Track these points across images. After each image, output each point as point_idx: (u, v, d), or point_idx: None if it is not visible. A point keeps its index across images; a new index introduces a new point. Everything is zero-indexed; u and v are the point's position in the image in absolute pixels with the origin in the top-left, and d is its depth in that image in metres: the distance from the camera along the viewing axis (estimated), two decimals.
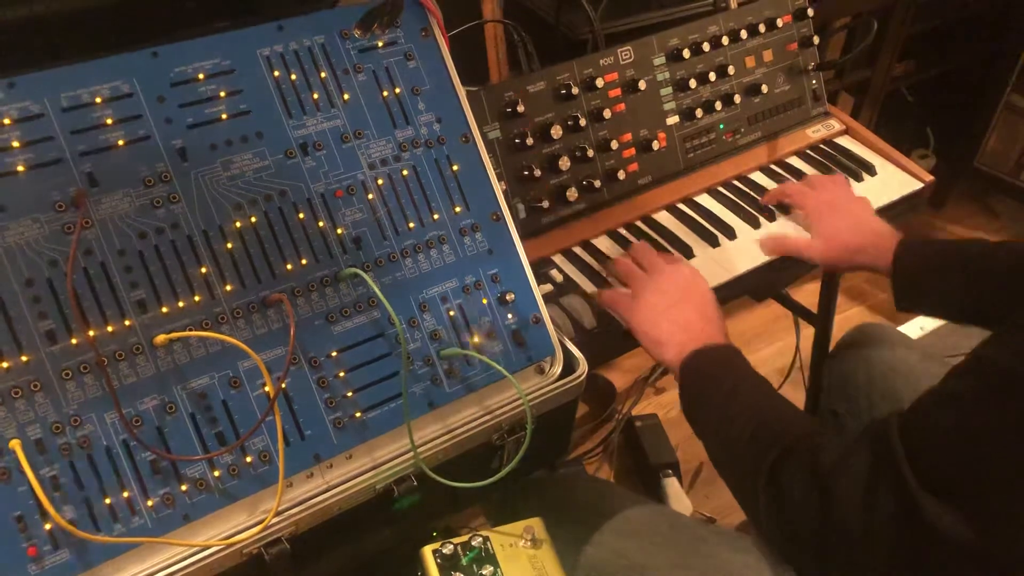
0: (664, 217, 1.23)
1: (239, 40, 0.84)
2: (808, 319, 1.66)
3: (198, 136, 0.80)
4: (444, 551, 0.85)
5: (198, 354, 0.77)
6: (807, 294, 1.78)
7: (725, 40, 1.29)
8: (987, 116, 2.31)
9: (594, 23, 1.27)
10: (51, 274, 0.73)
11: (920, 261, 1.04)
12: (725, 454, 0.86)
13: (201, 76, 0.81)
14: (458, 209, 0.91)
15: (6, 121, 0.73)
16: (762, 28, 1.32)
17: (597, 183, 1.19)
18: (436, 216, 0.90)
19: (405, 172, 0.89)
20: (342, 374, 0.83)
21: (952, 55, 2.40)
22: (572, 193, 1.16)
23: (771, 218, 1.24)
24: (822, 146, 1.38)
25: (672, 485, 1.70)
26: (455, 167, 0.92)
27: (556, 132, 1.14)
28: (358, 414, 0.83)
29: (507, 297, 0.92)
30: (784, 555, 0.82)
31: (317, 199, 0.84)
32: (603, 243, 1.18)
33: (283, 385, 0.80)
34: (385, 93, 0.89)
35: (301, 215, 0.83)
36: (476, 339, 0.90)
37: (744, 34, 1.31)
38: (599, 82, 1.18)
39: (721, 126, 1.31)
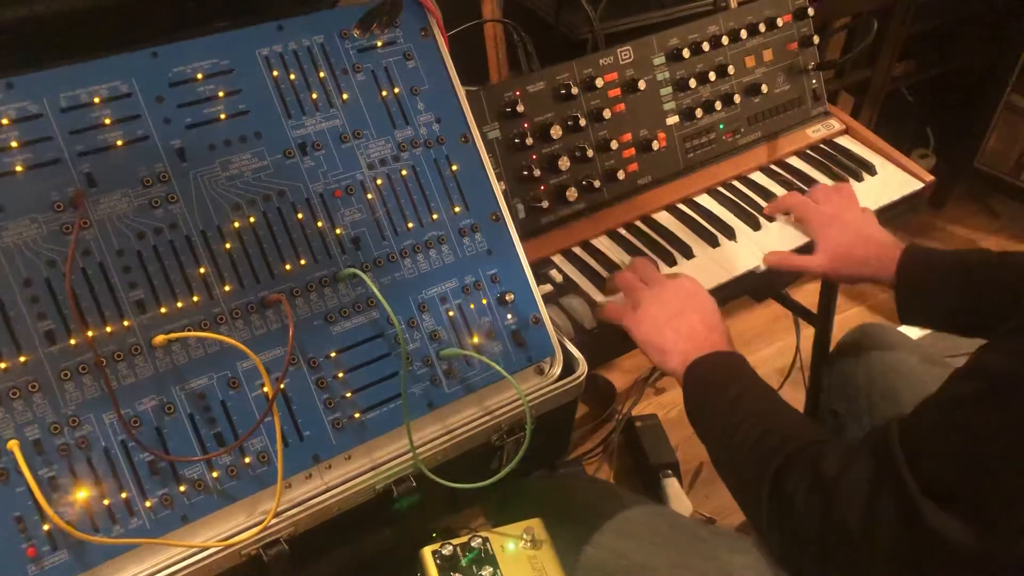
0: (664, 217, 1.23)
1: (238, 40, 0.83)
2: (808, 319, 1.66)
3: (197, 136, 0.80)
4: (443, 552, 0.85)
5: (197, 355, 0.77)
6: (807, 294, 1.77)
7: (725, 40, 1.29)
8: (987, 116, 2.31)
9: (594, 23, 1.27)
10: (49, 274, 0.73)
11: (923, 275, 1.04)
12: (729, 461, 0.86)
13: (200, 76, 0.81)
14: (457, 209, 0.91)
15: (4, 121, 0.73)
16: (762, 28, 1.32)
17: (597, 183, 1.18)
18: (435, 216, 0.90)
19: (404, 172, 0.89)
20: (341, 375, 0.83)
21: (952, 55, 2.40)
22: (572, 193, 1.16)
23: (771, 218, 1.23)
24: (822, 146, 1.38)
25: (672, 485, 1.70)
26: (454, 167, 0.92)
27: (556, 132, 1.14)
28: (357, 415, 0.83)
29: (507, 297, 0.92)
30: (787, 560, 0.82)
31: (316, 199, 0.84)
32: (603, 243, 1.18)
33: (282, 386, 0.80)
34: (384, 93, 0.89)
35: (300, 215, 0.83)
36: (475, 339, 0.90)
37: (744, 34, 1.30)
38: (599, 82, 1.18)
39: (721, 126, 1.31)
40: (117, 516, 0.72)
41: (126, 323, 0.75)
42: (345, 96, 0.87)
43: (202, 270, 0.78)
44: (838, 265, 1.11)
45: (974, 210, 2.58)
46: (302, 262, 0.83)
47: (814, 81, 1.40)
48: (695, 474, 1.80)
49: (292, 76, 0.85)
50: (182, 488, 0.75)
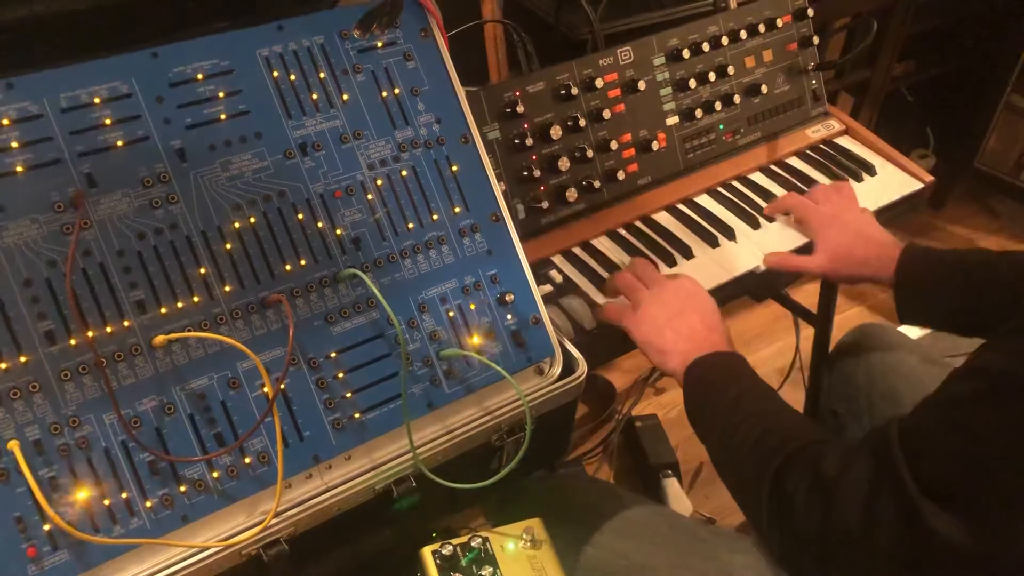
0: (664, 218, 1.23)
1: (238, 40, 0.83)
2: (808, 319, 1.66)
3: (197, 136, 0.80)
4: (443, 552, 0.85)
5: (197, 355, 0.77)
6: (807, 294, 1.77)
7: (725, 40, 1.29)
8: (987, 116, 2.31)
9: (594, 23, 1.27)
10: (50, 275, 0.73)
11: (922, 274, 1.04)
12: (729, 461, 0.86)
13: (200, 76, 0.81)
14: (457, 210, 0.91)
15: (5, 122, 0.73)
16: (762, 28, 1.32)
17: (597, 183, 1.18)
18: (435, 217, 0.90)
19: (404, 173, 0.89)
20: (341, 375, 0.83)
21: (952, 55, 2.40)
22: (572, 193, 1.16)
23: (770, 218, 1.23)
24: (822, 146, 1.38)
25: (672, 485, 1.70)
26: (454, 168, 0.92)
27: (556, 132, 1.14)
28: (357, 415, 0.83)
29: (506, 298, 0.92)
30: (787, 560, 0.82)
31: (316, 200, 0.84)
32: (603, 244, 1.18)
33: (282, 386, 0.80)
34: (384, 94, 0.89)
35: (300, 216, 0.83)
36: (475, 340, 0.90)
37: (744, 34, 1.31)
38: (599, 82, 1.18)
39: (721, 126, 1.31)
40: (117, 516, 0.72)
41: (126, 323, 0.75)
42: (345, 97, 0.87)
43: (202, 270, 0.78)
44: (838, 265, 1.12)
45: (974, 210, 2.58)
46: (302, 262, 0.83)
47: (814, 81, 1.40)
48: (695, 474, 1.81)
49: (292, 76, 0.85)
50: (182, 488, 0.75)
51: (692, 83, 1.26)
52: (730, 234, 1.20)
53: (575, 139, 1.18)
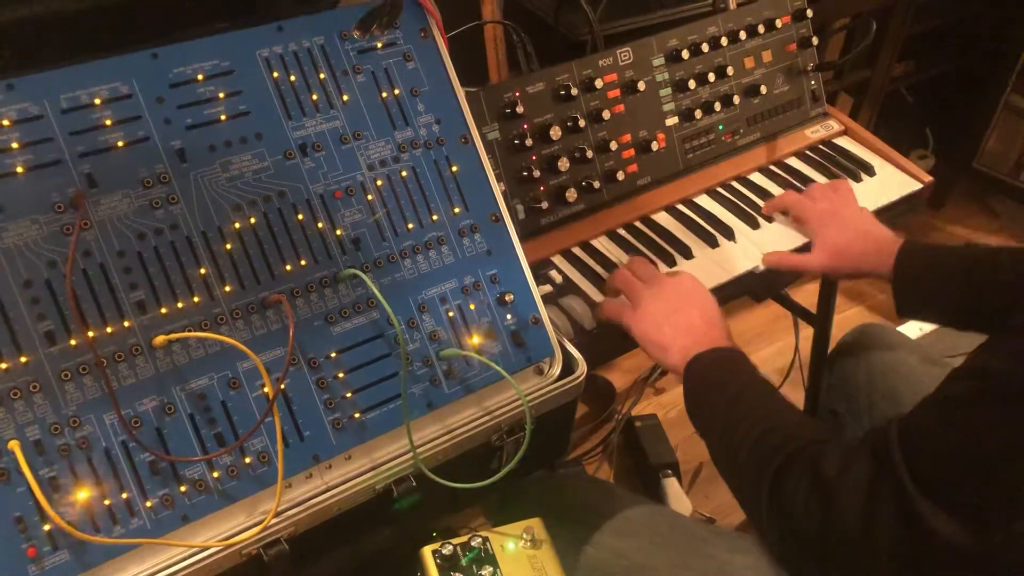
0: (663, 218, 1.23)
1: (238, 41, 0.84)
2: (807, 319, 1.66)
3: (197, 137, 0.80)
4: (444, 551, 0.85)
5: (197, 355, 0.77)
6: (806, 294, 1.78)
7: (724, 41, 1.29)
8: (987, 116, 2.31)
9: (593, 24, 1.27)
10: (50, 275, 0.73)
11: (920, 268, 1.04)
12: (729, 459, 0.86)
13: (200, 77, 0.81)
14: (457, 210, 0.92)
15: (5, 122, 0.73)
16: (761, 29, 1.32)
17: (596, 184, 1.19)
18: (435, 217, 0.90)
19: (404, 173, 0.89)
20: (341, 375, 0.83)
21: (952, 55, 2.40)
22: (571, 194, 1.16)
23: (770, 219, 1.24)
24: (821, 147, 1.38)
25: (672, 485, 1.70)
26: (454, 168, 0.92)
27: (555, 133, 1.14)
28: (357, 415, 0.83)
29: (506, 298, 0.92)
30: (786, 560, 0.82)
31: (316, 200, 0.84)
32: (602, 244, 1.18)
33: (282, 386, 0.80)
34: (384, 94, 0.89)
35: (300, 216, 0.83)
36: (475, 340, 0.90)
37: (743, 35, 1.31)
38: (598, 83, 1.18)
39: (720, 127, 1.31)
40: (118, 516, 0.73)
41: (127, 324, 0.75)
42: (345, 97, 0.87)
43: (203, 271, 0.79)
44: (836, 261, 1.12)
45: (974, 210, 2.58)
46: (302, 263, 0.83)
47: (813, 82, 1.40)
48: (695, 474, 1.81)
49: (292, 77, 0.85)
50: (183, 488, 0.75)
51: (691, 84, 1.26)
52: (729, 234, 1.20)
53: (575, 139, 1.18)
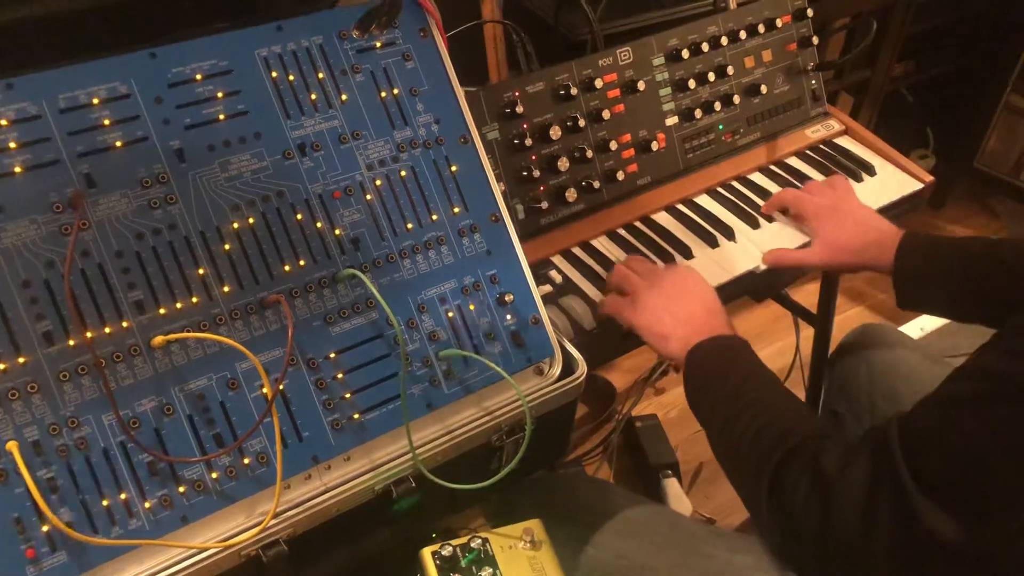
0: (663, 218, 1.23)
1: (237, 41, 0.83)
2: (808, 319, 1.66)
3: (196, 137, 0.80)
4: (443, 553, 0.85)
5: (196, 356, 0.77)
6: (807, 294, 1.77)
7: (724, 40, 1.29)
8: (987, 116, 2.31)
9: (593, 24, 1.27)
10: (48, 275, 0.73)
11: (921, 259, 1.04)
12: (729, 451, 0.86)
13: (199, 77, 0.81)
14: (457, 210, 0.91)
15: (3, 122, 0.73)
16: (761, 28, 1.32)
17: (596, 184, 1.18)
18: (435, 217, 0.90)
19: (403, 173, 0.89)
20: (340, 375, 0.83)
21: (952, 55, 2.40)
22: (571, 194, 1.16)
23: (770, 218, 1.23)
24: (821, 146, 1.38)
25: (672, 486, 1.70)
26: (454, 168, 0.92)
27: (555, 133, 1.14)
28: (356, 415, 0.83)
29: (506, 298, 0.92)
30: (786, 555, 0.82)
31: (315, 200, 0.84)
32: (602, 244, 1.18)
33: (281, 386, 0.80)
34: (383, 94, 0.89)
35: (299, 216, 0.83)
36: (475, 340, 0.89)
37: (743, 34, 1.30)
38: (598, 83, 1.18)
39: (720, 127, 1.31)
40: (116, 517, 0.72)
41: (125, 324, 0.75)
42: (344, 97, 0.87)
43: (201, 271, 0.78)
44: (837, 255, 1.11)
45: (974, 210, 2.58)
46: (301, 263, 0.83)
47: (813, 82, 1.40)
48: (695, 474, 1.80)
49: (291, 77, 0.85)
50: (181, 489, 0.75)
51: (691, 83, 1.26)
52: (729, 234, 1.20)
53: (575, 139, 1.18)
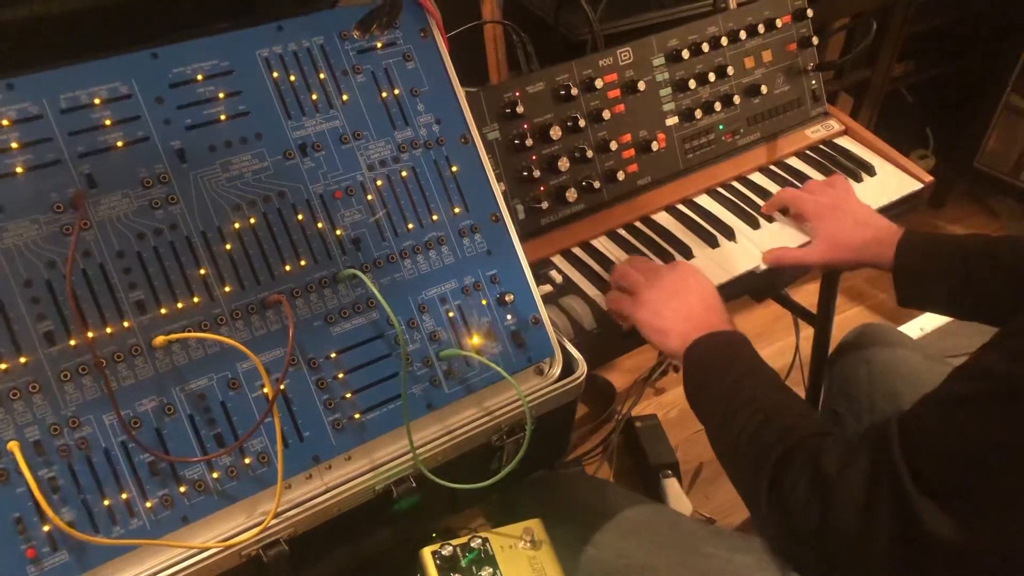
0: (663, 218, 1.23)
1: (238, 41, 0.84)
2: (807, 319, 1.66)
3: (197, 137, 0.80)
4: (443, 552, 0.85)
5: (197, 355, 0.77)
6: (807, 294, 1.77)
7: (724, 41, 1.29)
8: (987, 116, 2.31)
9: (593, 24, 1.27)
10: (49, 275, 0.73)
11: (921, 256, 1.04)
12: (728, 448, 0.86)
13: (200, 77, 0.81)
14: (457, 210, 0.91)
15: (4, 122, 0.73)
16: (761, 29, 1.32)
17: (596, 184, 1.18)
18: (435, 217, 0.90)
19: (404, 173, 0.89)
20: (341, 375, 0.83)
21: (952, 55, 2.40)
22: (571, 194, 1.16)
23: (770, 218, 1.23)
24: (821, 147, 1.38)
25: (672, 486, 1.70)
26: (454, 168, 0.92)
27: (555, 133, 1.14)
28: (357, 415, 0.83)
29: (506, 298, 0.92)
30: (785, 553, 0.82)
31: (316, 200, 0.84)
32: (602, 244, 1.18)
33: (281, 386, 0.80)
34: (384, 94, 0.89)
35: (300, 216, 0.83)
36: (475, 340, 0.90)
37: (743, 35, 1.31)
38: (598, 83, 1.18)
39: (720, 127, 1.31)
40: (117, 517, 0.72)
41: (126, 324, 0.75)
42: (345, 97, 0.87)
43: (202, 271, 0.78)
44: (836, 253, 1.12)
45: (974, 210, 2.58)
46: (302, 263, 0.83)
47: (813, 82, 1.40)
48: (695, 474, 1.80)
49: (292, 77, 0.85)
50: (182, 489, 0.75)
51: (692, 83, 1.26)
52: (730, 234, 1.20)
53: (575, 139, 1.18)
